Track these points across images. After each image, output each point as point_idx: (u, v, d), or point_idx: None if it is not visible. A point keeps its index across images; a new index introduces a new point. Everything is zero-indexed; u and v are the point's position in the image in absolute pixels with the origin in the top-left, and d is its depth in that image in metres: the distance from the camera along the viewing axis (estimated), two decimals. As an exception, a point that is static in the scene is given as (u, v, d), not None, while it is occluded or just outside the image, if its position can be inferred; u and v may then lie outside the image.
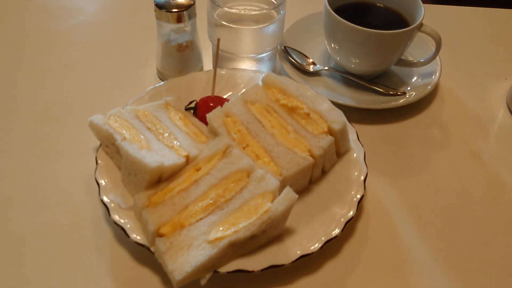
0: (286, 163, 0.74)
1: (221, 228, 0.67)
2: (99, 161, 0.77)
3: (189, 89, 0.91)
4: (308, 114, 0.80)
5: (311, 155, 0.76)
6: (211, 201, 0.70)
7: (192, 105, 0.87)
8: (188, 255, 0.65)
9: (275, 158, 0.75)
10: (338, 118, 0.79)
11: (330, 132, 0.78)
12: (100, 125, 0.78)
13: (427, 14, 0.93)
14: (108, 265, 0.72)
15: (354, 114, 0.92)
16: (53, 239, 0.75)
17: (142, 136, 0.77)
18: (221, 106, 0.82)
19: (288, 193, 0.68)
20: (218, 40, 0.84)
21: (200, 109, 0.85)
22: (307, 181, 0.78)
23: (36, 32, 1.12)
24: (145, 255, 0.70)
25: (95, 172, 0.76)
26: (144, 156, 0.72)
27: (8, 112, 0.93)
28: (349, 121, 0.86)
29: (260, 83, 0.85)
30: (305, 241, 0.71)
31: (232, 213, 0.69)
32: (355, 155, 0.81)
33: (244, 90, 0.92)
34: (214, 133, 0.80)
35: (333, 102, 0.89)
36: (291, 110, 0.81)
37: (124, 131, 0.77)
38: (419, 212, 0.81)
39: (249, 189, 0.70)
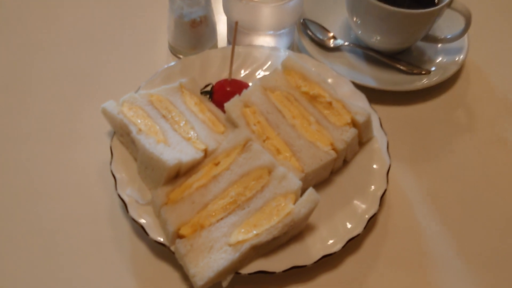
0: (308, 158, 0.72)
1: (242, 230, 0.65)
2: (114, 153, 0.75)
3: (204, 69, 0.87)
4: (330, 103, 0.76)
5: (334, 149, 0.73)
6: (231, 200, 0.68)
7: (208, 88, 0.83)
8: (209, 258, 0.64)
9: (296, 152, 0.73)
10: (361, 110, 0.75)
11: (354, 123, 0.75)
12: (113, 114, 0.75)
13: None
14: (128, 260, 0.72)
15: (376, 95, 0.88)
16: (71, 232, 0.74)
17: (157, 127, 0.74)
18: (239, 92, 0.79)
19: (311, 195, 0.66)
20: (236, 23, 0.79)
21: (216, 94, 0.82)
22: (328, 173, 0.76)
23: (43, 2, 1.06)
24: (164, 251, 0.69)
25: (110, 165, 0.74)
26: (162, 152, 0.69)
27: (19, 94, 0.90)
28: (370, 102, 0.82)
29: (280, 67, 0.81)
30: (326, 239, 0.70)
31: (253, 214, 0.67)
32: (377, 144, 0.79)
33: (262, 70, 0.88)
34: (232, 123, 0.77)
35: (354, 84, 0.85)
36: (313, 99, 0.77)
37: (139, 121, 0.74)
38: (441, 203, 0.79)
39: (270, 189, 0.68)
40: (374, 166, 0.76)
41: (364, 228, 0.70)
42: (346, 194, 0.74)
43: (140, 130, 0.72)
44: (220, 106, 0.80)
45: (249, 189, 0.69)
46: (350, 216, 0.71)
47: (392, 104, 0.90)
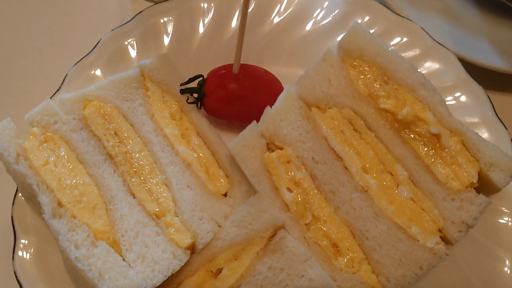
0: (393, 264, 0.38)
1: None
2: (20, 234, 0.39)
3: (187, 30, 0.47)
4: (438, 137, 0.38)
5: (444, 238, 0.37)
6: None
7: (195, 84, 0.43)
8: None
9: (371, 251, 0.38)
10: (499, 154, 0.38)
11: (482, 181, 0.38)
12: (9, 161, 0.37)
13: None
14: None
15: (487, 74, 0.49)
16: None
17: (95, 191, 0.37)
18: (256, 94, 0.45)
19: None
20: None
21: (211, 97, 0.43)
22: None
23: None
24: None
25: (13, 259, 0.39)
26: (102, 271, 0.34)
27: None
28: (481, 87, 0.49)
29: (335, 50, 0.41)
30: None
31: None
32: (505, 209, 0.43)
33: (314, 20, 0.48)
34: (246, 178, 0.39)
35: (462, 60, 0.46)
36: (403, 125, 0.39)
37: (59, 177, 0.37)
38: None
39: None
40: (503, 264, 0.41)
41: None
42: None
43: (59, 204, 0.35)
44: (219, 117, 0.42)
45: None
46: None
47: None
